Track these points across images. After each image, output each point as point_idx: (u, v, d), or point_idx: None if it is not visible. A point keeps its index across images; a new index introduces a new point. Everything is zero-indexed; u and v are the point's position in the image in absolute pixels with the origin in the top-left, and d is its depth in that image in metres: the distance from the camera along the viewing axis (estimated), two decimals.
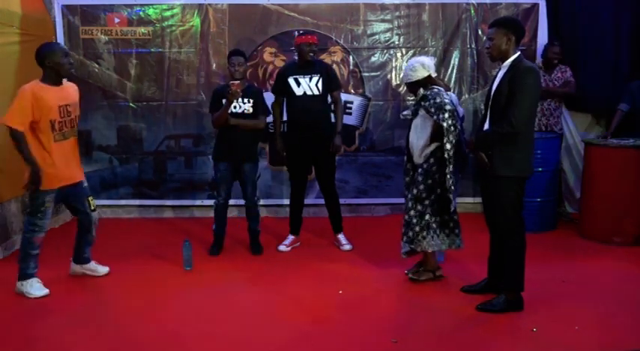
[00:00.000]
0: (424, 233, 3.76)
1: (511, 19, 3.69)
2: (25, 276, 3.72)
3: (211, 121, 4.48)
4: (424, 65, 3.72)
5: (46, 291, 3.72)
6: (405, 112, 3.88)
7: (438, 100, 3.59)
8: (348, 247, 4.65)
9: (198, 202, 5.68)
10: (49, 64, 3.55)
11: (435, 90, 3.69)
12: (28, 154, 3.50)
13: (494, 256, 3.59)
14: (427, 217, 3.74)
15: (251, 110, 4.40)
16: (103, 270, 4.12)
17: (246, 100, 4.36)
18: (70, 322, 3.33)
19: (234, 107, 4.34)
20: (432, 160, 3.70)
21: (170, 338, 3.14)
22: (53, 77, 3.61)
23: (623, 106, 5.14)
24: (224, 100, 4.26)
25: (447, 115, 3.53)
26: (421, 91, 3.71)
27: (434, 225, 3.77)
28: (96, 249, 4.70)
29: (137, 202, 5.71)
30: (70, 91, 3.79)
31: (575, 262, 4.35)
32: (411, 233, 3.77)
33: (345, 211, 4.83)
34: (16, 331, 3.23)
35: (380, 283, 3.92)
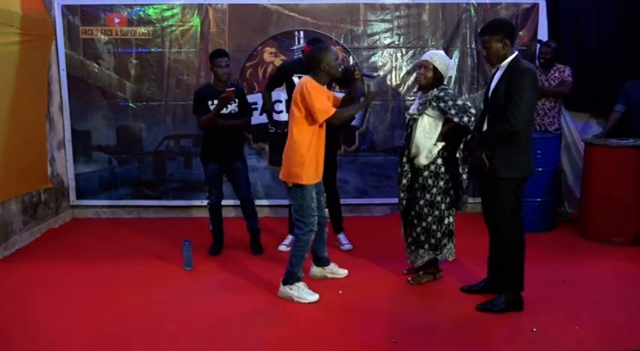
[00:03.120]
0: (446, 240, 3.73)
1: (500, 23, 3.61)
2: (295, 279, 3.61)
3: (197, 123, 4.47)
4: (448, 68, 3.68)
5: (316, 296, 3.59)
6: (411, 111, 3.81)
7: (460, 103, 3.54)
8: (348, 246, 4.65)
9: (197, 203, 5.67)
10: (325, 67, 3.50)
11: (450, 92, 3.64)
12: (354, 107, 3.57)
13: (494, 256, 3.59)
14: (446, 221, 3.71)
15: (237, 110, 4.41)
16: (343, 272, 4.00)
17: (232, 102, 4.37)
18: (70, 322, 3.33)
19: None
20: (439, 161, 3.66)
21: (170, 338, 3.14)
22: (323, 79, 3.56)
23: (619, 107, 5.18)
24: (209, 102, 4.27)
25: (473, 119, 3.51)
26: (435, 91, 3.62)
27: (452, 229, 3.75)
28: (96, 249, 4.73)
29: (137, 202, 5.71)
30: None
31: (575, 262, 4.35)
32: (433, 241, 3.72)
33: (345, 211, 4.83)
34: (18, 329, 3.24)
35: (380, 283, 3.92)
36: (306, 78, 3.53)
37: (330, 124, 3.55)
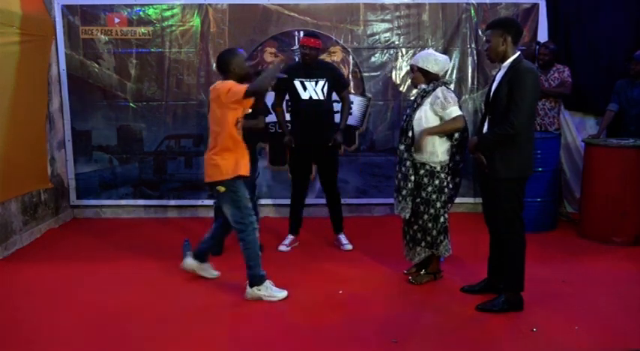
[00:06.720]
0: (441, 237, 3.75)
1: (505, 19, 3.72)
2: (259, 279, 3.63)
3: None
4: (436, 62, 3.66)
5: (285, 292, 3.65)
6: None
7: (441, 97, 3.62)
8: (348, 247, 4.65)
9: (198, 202, 5.68)
10: (235, 69, 3.55)
11: (441, 87, 3.67)
12: (266, 73, 3.56)
13: (494, 256, 3.59)
14: (442, 219, 3.72)
15: (250, 110, 4.40)
16: (215, 273, 4.00)
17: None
18: (70, 322, 3.33)
19: None
20: (435, 159, 3.67)
21: (170, 338, 3.14)
22: (236, 82, 3.58)
23: (612, 106, 5.16)
24: None
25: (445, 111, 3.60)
26: (426, 86, 3.67)
27: (447, 225, 3.76)
28: (97, 249, 4.73)
29: (137, 202, 5.71)
30: None
31: (575, 262, 4.35)
32: (429, 238, 3.74)
33: (345, 211, 4.83)
34: (15, 328, 3.24)
35: (380, 283, 3.92)
36: (216, 84, 3.56)
37: (256, 98, 3.54)
